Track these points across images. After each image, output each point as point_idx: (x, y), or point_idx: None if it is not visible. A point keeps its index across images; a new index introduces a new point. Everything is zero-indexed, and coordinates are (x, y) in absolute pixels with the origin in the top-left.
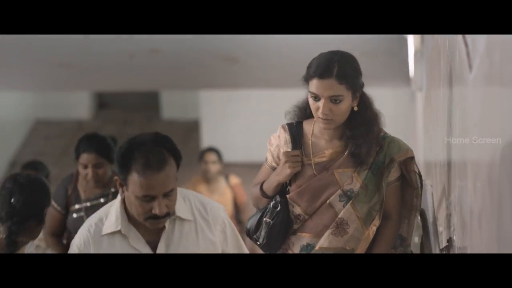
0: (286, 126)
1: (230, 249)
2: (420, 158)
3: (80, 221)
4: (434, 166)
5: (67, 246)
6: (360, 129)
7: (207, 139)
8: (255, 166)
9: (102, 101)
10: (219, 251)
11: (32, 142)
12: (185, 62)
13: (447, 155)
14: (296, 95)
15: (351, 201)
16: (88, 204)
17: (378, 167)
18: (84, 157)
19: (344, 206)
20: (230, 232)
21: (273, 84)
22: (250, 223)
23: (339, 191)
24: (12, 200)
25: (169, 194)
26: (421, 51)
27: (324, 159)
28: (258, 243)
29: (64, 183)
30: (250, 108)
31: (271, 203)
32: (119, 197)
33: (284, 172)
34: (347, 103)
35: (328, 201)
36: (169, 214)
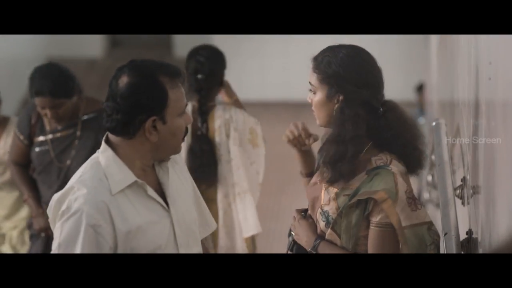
0: None
1: (190, 186)
2: (434, 98)
3: (45, 155)
4: (449, 106)
5: (34, 179)
6: (327, 137)
7: None
8: (269, 105)
9: (115, 40)
10: (191, 187)
11: None
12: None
13: (462, 95)
14: (310, 38)
15: (331, 226)
16: (53, 135)
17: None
18: (39, 101)
19: (326, 227)
20: (185, 168)
21: None
22: None
23: (319, 209)
24: (198, 76)
25: None
26: None
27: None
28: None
29: (28, 111)
30: (264, 46)
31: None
32: (107, 154)
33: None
34: (319, 99)
35: (316, 216)
36: None
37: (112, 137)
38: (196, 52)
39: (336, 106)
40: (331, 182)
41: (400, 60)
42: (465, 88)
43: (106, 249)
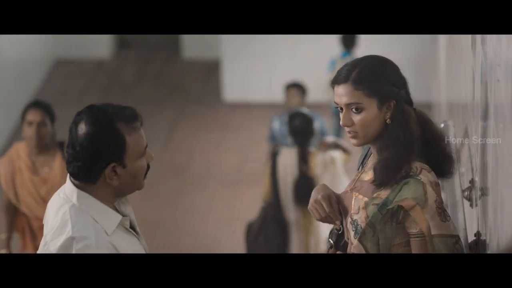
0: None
1: None
2: (442, 99)
3: None
4: (457, 107)
5: None
6: (385, 142)
7: (227, 79)
8: (276, 106)
9: (123, 41)
10: None
11: (53, 82)
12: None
13: (470, 96)
14: (317, 38)
15: (358, 237)
16: None
17: (385, 207)
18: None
19: (354, 237)
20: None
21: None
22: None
23: (349, 218)
24: (295, 137)
25: None
26: None
27: (356, 177)
28: None
29: None
30: (271, 48)
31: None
32: (87, 199)
33: None
34: (370, 113)
35: (347, 225)
36: None
37: (76, 182)
38: (294, 115)
39: (389, 113)
40: (382, 186)
41: (408, 60)
42: (474, 90)
43: None
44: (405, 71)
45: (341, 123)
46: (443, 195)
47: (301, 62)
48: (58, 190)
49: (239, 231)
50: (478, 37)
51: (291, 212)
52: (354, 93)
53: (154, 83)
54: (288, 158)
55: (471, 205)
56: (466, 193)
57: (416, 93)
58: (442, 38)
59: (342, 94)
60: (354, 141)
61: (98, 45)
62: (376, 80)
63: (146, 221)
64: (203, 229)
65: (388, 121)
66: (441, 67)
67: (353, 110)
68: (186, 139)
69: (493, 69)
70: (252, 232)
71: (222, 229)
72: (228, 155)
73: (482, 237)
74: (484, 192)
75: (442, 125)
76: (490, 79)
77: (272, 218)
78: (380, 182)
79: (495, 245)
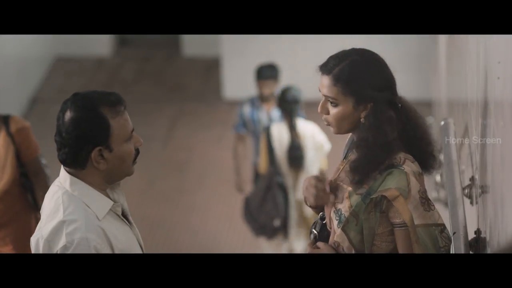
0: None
1: None
2: (443, 97)
3: None
4: (457, 105)
5: None
6: (357, 142)
7: (227, 77)
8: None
9: (123, 38)
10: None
11: (53, 79)
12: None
13: (470, 94)
14: (318, 36)
15: (342, 226)
16: None
17: (369, 197)
18: None
19: (338, 226)
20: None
21: None
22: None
23: (333, 207)
24: (292, 106)
25: None
26: None
27: (341, 166)
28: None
29: None
30: (271, 46)
31: (319, 214)
32: (79, 185)
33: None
34: (345, 110)
35: (330, 214)
36: None
37: (68, 169)
38: (284, 90)
39: (364, 113)
40: (360, 184)
41: (408, 58)
42: (474, 88)
43: None
44: (406, 69)
45: (318, 109)
46: (443, 193)
47: (301, 60)
48: (55, 180)
49: (239, 228)
50: (479, 35)
51: (287, 177)
52: (332, 88)
53: (154, 81)
54: (280, 131)
55: (471, 203)
56: (466, 190)
57: (417, 91)
58: (442, 37)
59: (323, 85)
60: (331, 128)
61: (98, 43)
62: (355, 81)
63: (146, 219)
64: (203, 226)
65: (362, 120)
66: (442, 65)
67: (330, 102)
68: (186, 136)
69: (493, 67)
70: (255, 202)
71: (222, 227)
72: (228, 152)
73: (482, 235)
74: (484, 189)
75: (442, 123)
76: (490, 76)
77: (277, 184)
78: (357, 181)
79: (495, 242)
